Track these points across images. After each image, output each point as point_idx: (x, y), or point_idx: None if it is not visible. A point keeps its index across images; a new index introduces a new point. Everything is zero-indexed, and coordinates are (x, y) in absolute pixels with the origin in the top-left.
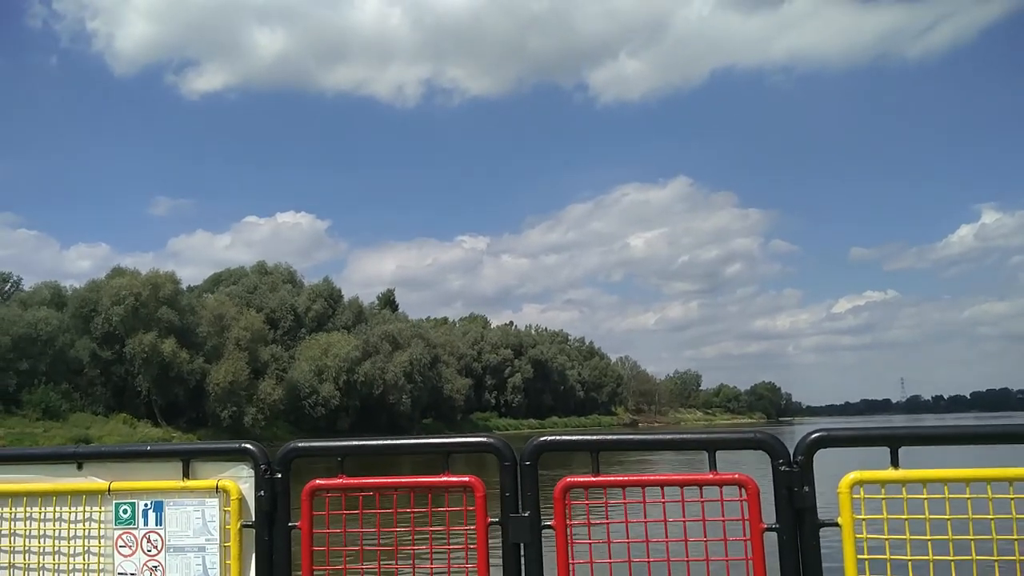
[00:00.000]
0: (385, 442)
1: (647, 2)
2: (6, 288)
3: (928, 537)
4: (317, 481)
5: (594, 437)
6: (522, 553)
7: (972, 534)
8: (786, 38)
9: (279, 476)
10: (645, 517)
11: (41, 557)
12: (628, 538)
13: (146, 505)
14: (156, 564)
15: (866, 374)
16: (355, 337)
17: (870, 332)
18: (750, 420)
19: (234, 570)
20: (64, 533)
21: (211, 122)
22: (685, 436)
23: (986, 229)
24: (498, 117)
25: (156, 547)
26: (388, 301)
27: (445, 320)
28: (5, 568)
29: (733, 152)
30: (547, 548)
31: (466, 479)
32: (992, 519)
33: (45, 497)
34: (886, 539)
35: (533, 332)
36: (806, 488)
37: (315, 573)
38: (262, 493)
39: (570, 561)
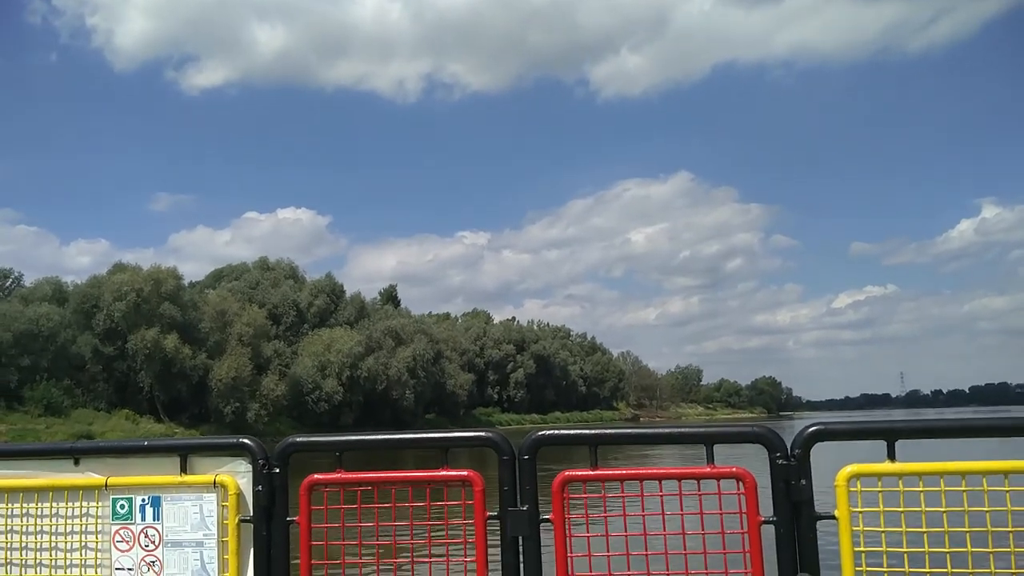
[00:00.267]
0: (383, 437)
1: None
2: (7, 284)
3: (924, 529)
4: (315, 476)
5: (592, 431)
6: (521, 546)
7: (968, 526)
8: (787, 33)
9: (277, 471)
10: (643, 510)
11: (38, 553)
12: (626, 531)
13: (143, 500)
14: (154, 559)
15: (866, 369)
16: (358, 332)
17: (870, 327)
18: (751, 415)
19: (232, 565)
20: (61, 528)
21: (211, 118)
22: (683, 430)
23: (986, 224)
24: (499, 112)
25: (154, 542)
26: (390, 297)
27: (447, 316)
28: (3, 564)
29: (734, 147)
30: (545, 541)
31: (464, 473)
32: (987, 511)
33: (42, 492)
34: (882, 532)
35: (535, 327)
36: (803, 481)
37: (313, 567)
38: (260, 488)
39: (568, 554)
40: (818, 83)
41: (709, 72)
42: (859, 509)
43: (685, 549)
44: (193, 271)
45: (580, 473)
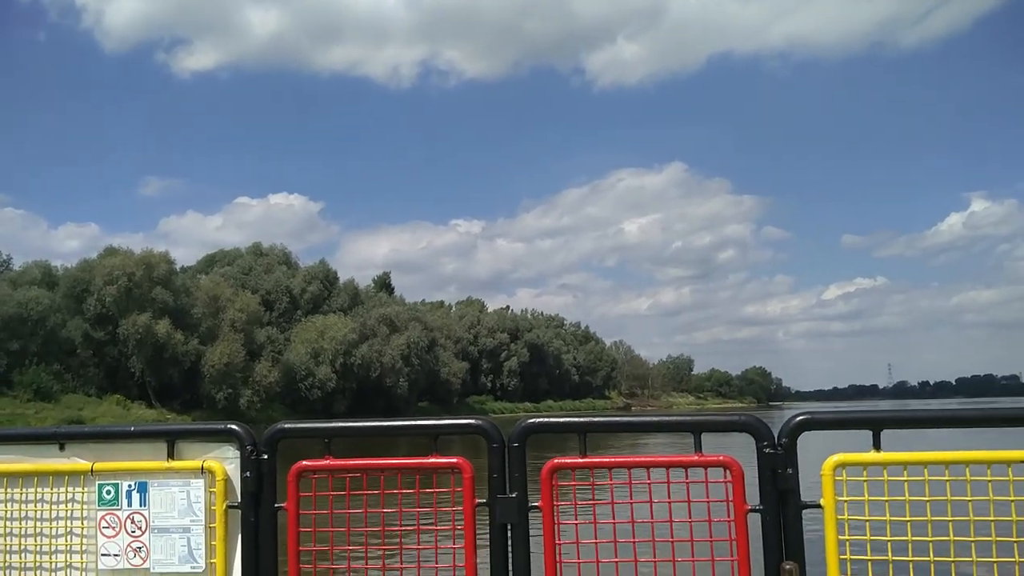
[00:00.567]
0: (372, 424)
1: None
2: None
3: (908, 518)
4: (304, 462)
5: (581, 419)
6: (509, 534)
7: (951, 515)
8: (783, 24)
9: (265, 457)
10: (631, 498)
11: (23, 539)
12: (614, 519)
13: (130, 486)
14: (140, 545)
15: (855, 360)
16: (352, 320)
17: (859, 318)
18: (741, 404)
19: (219, 551)
20: (46, 514)
21: (203, 102)
22: (671, 418)
23: (975, 217)
24: (494, 100)
25: (140, 528)
26: (384, 284)
27: (441, 304)
28: None
29: (728, 138)
30: (534, 529)
31: (454, 460)
32: (970, 500)
33: (27, 478)
34: (867, 520)
35: (529, 316)
36: (790, 470)
37: (301, 554)
38: (248, 474)
39: (556, 541)
40: (813, 75)
41: (705, 62)
42: (844, 498)
43: (672, 537)
44: (183, 256)
45: (569, 461)
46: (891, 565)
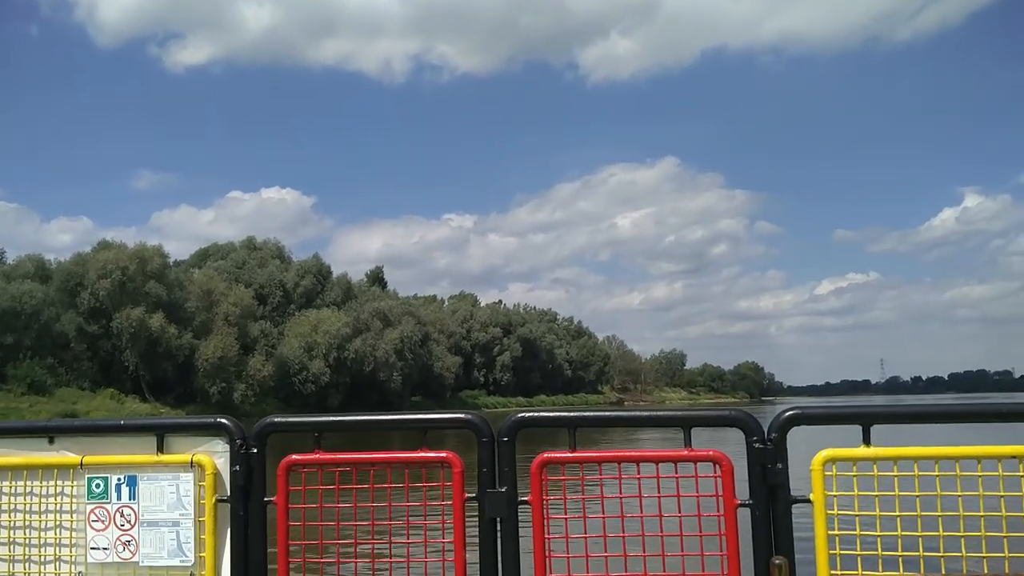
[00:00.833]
0: (361, 418)
1: None
2: None
3: (897, 513)
4: (293, 456)
5: (570, 414)
6: (499, 528)
7: (940, 510)
8: (777, 19)
9: (255, 451)
10: (620, 492)
11: (12, 531)
12: (604, 513)
13: (119, 479)
14: (129, 539)
15: (847, 355)
16: (345, 314)
17: (852, 314)
18: (733, 399)
19: (209, 545)
20: (35, 507)
21: (196, 96)
22: (661, 413)
23: (968, 212)
24: (487, 95)
25: (129, 521)
26: (377, 278)
27: (434, 298)
28: None
29: (721, 133)
30: (523, 523)
31: (443, 455)
32: (960, 496)
33: (16, 471)
34: (856, 515)
35: (522, 311)
36: (779, 465)
37: (291, 548)
38: (237, 468)
39: (546, 536)
40: (806, 70)
41: (698, 57)
42: (834, 493)
43: (662, 531)
44: (176, 250)
45: (558, 455)
46: (880, 560)
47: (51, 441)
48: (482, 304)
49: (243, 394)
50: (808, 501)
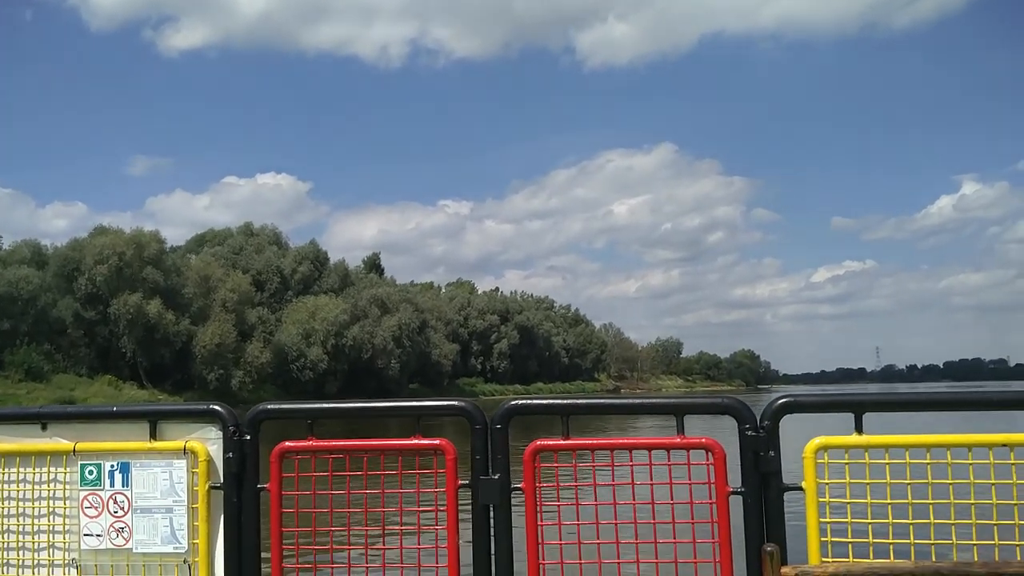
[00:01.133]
0: (354, 405)
1: None
2: None
3: (888, 501)
4: (286, 443)
5: (563, 401)
6: (491, 515)
7: (932, 498)
8: (775, 5)
9: (248, 438)
10: (613, 480)
11: (5, 519)
12: (596, 500)
13: (112, 466)
14: (123, 525)
15: (843, 343)
16: (343, 301)
17: (848, 301)
18: (730, 387)
19: (202, 531)
20: (29, 494)
21: (190, 80)
22: (654, 401)
23: (965, 200)
24: (483, 79)
25: (123, 508)
26: (374, 265)
27: (431, 285)
28: None
29: (719, 119)
30: (516, 510)
31: (436, 442)
32: (951, 483)
33: (8, 458)
34: (848, 503)
35: (519, 298)
36: (772, 453)
37: (284, 534)
38: (230, 455)
39: (539, 523)
40: (804, 56)
41: (696, 43)
42: (826, 480)
43: (654, 518)
44: (171, 236)
45: (552, 443)
46: (871, 547)
47: (44, 428)
48: (479, 291)
49: (241, 381)
50: (800, 489)
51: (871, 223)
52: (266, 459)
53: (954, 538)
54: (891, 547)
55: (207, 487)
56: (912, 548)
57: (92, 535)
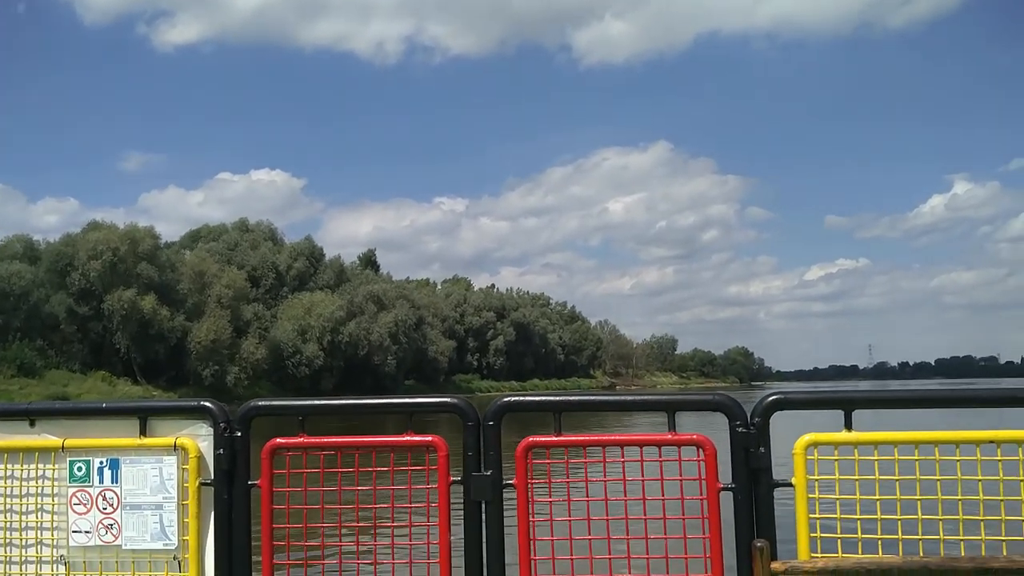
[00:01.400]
0: (346, 402)
1: None
2: None
3: (877, 497)
4: (277, 440)
5: (555, 398)
6: (483, 511)
7: (920, 494)
8: (771, 4)
9: (239, 434)
10: (605, 476)
11: None
12: (588, 497)
13: (101, 463)
14: (112, 522)
15: (835, 340)
16: (339, 297)
17: (841, 299)
18: (724, 384)
19: (192, 528)
20: (16, 491)
21: (185, 76)
22: (645, 398)
23: (957, 199)
24: (479, 77)
25: (112, 505)
26: (369, 261)
27: (427, 282)
28: None
29: (714, 118)
30: (508, 506)
31: (428, 438)
32: (938, 480)
33: None
34: (837, 499)
35: (515, 295)
36: (762, 449)
37: (275, 531)
38: (221, 451)
39: (530, 519)
40: (799, 56)
41: (692, 42)
42: (815, 477)
43: (645, 514)
44: (164, 232)
45: (543, 439)
46: (860, 543)
47: (32, 424)
48: (475, 288)
49: (236, 377)
50: (790, 485)
51: (864, 222)
52: (257, 456)
53: (941, 533)
54: (880, 542)
55: (197, 484)
56: (900, 543)
57: (81, 532)
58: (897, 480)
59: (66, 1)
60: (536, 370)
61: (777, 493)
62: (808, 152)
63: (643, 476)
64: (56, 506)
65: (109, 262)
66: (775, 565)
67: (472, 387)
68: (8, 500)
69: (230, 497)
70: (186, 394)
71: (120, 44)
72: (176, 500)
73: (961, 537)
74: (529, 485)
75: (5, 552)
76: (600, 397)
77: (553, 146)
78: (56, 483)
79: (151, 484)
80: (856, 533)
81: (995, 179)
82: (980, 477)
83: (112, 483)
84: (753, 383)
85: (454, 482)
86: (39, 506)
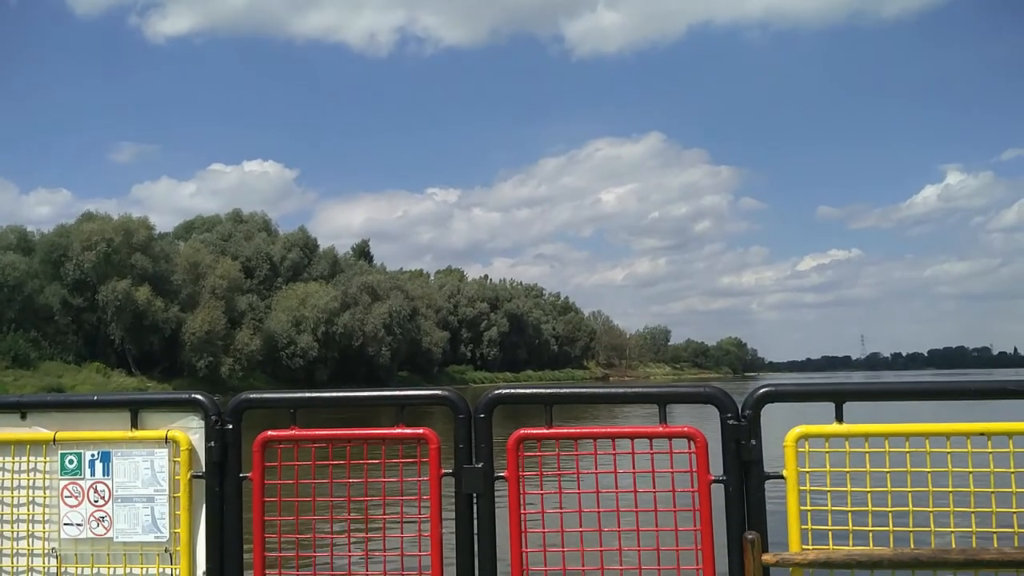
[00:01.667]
0: (336, 394)
1: None
2: None
3: (868, 489)
4: (269, 432)
5: (547, 390)
6: (475, 503)
7: (911, 486)
8: None
9: (230, 427)
10: (596, 468)
11: None
12: (579, 489)
13: (93, 455)
14: (103, 514)
15: (828, 331)
16: (333, 288)
17: (833, 290)
18: (717, 375)
19: (184, 521)
20: (8, 484)
21: (177, 67)
22: (637, 390)
23: (950, 190)
24: (472, 68)
25: (103, 498)
26: (363, 252)
27: (420, 272)
28: None
29: (707, 108)
30: (500, 499)
31: (420, 431)
32: (929, 472)
33: None
34: (828, 491)
35: (508, 286)
36: (753, 441)
37: (266, 524)
38: (212, 444)
39: (522, 511)
40: (792, 45)
41: (685, 32)
42: (807, 469)
43: (636, 507)
44: (157, 223)
45: (535, 431)
46: (851, 535)
47: (23, 417)
48: (469, 279)
49: (230, 368)
50: (781, 477)
51: (857, 212)
52: (249, 448)
53: (932, 525)
54: (871, 534)
55: (189, 476)
56: (891, 535)
57: (72, 524)
58: (888, 472)
59: None
60: (530, 361)
61: (768, 485)
62: (801, 143)
63: (634, 468)
64: (48, 499)
65: (103, 253)
66: (766, 557)
67: (466, 378)
68: (0, 493)
69: (221, 490)
70: (180, 385)
71: (112, 35)
72: (167, 493)
73: (952, 529)
74: (521, 477)
75: None
76: (591, 389)
77: (545, 137)
78: (47, 476)
79: (142, 477)
80: (847, 525)
81: (988, 169)
82: (971, 469)
83: (103, 476)
84: (746, 374)
85: (445, 474)
86: (30, 499)
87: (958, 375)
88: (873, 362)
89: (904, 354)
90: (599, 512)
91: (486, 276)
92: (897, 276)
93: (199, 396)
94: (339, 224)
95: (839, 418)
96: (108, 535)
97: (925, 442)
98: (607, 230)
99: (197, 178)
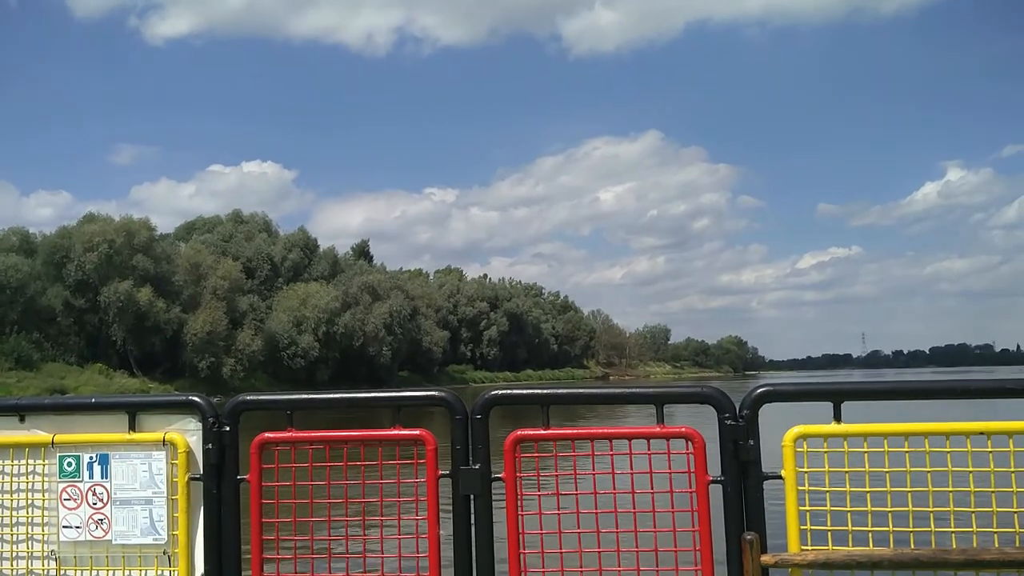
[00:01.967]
0: (333, 396)
1: None
2: None
3: (867, 489)
4: (266, 434)
5: (543, 391)
6: (472, 505)
7: (910, 486)
8: None
9: (227, 429)
10: (593, 469)
11: None
12: (576, 490)
13: (91, 458)
14: (102, 517)
15: (828, 329)
16: (334, 288)
17: (833, 287)
18: (717, 374)
19: (182, 523)
20: (6, 487)
21: (176, 68)
22: (634, 390)
23: (950, 187)
24: (470, 67)
25: (102, 500)
26: (363, 252)
27: (420, 272)
28: None
29: (705, 107)
30: (497, 500)
31: (416, 432)
32: (928, 471)
33: None
34: (827, 491)
35: (508, 285)
36: (751, 441)
37: (264, 525)
38: (210, 446)
39: (519, 512)
40: (791, 43)
41: (682, 30)
42: (805, 469)
43: (634, 507)
44: (157, 224)
45: (532, 432)
46: (850, 535)
47: (22, 419)
48: (468, 279)
49: (232, 369)
50: (779, 477)
51: (856, 209)
52: (246, 450)
53: (932, 525)
54: (870, 534)
55: (187, 478)
56: (891, 535)
57: (71, 527)
58: (887, 472)
59: None
60: (529, 360)
61: (767, 486)
62: (800, 140)
63: (632, 469)
64: (46, 501)
65: (105, 254)
66: (765, 558)
67: (466, 377)
68: None
69: (219, 492)
70: (182, 386)
71: (111, 37)
72: (165, 495)
73: (952, 529)
74: (518, 478)
75: None
76: (588, 390)
77: (543, 136)
78: (46, 478)
79: (140, 479)
80: (846, 525)
81: (988, 166)
82: (971, 469)
83: (102, 478)
84: (747, 372)
85: (442, 476)
86: (29, 501)
87: (958, 373)
88: (874, 360)
89: (905, 352)
90: (597, 513)
91: (485, 275)
92: (898, 273)
93: (196, 398)
94: (337, 224)
95: (837, 418)
96: (107, 537)
97: (924, 441)
98: (605, 229)
99: (196, 179)
